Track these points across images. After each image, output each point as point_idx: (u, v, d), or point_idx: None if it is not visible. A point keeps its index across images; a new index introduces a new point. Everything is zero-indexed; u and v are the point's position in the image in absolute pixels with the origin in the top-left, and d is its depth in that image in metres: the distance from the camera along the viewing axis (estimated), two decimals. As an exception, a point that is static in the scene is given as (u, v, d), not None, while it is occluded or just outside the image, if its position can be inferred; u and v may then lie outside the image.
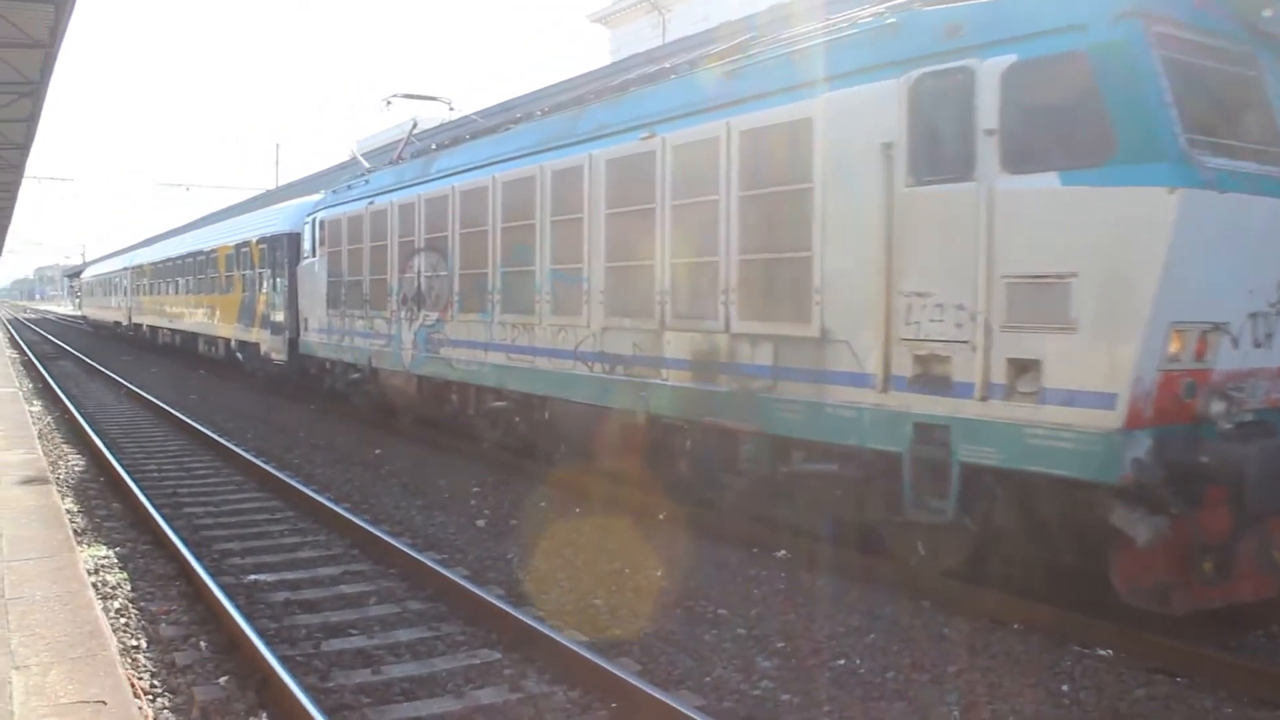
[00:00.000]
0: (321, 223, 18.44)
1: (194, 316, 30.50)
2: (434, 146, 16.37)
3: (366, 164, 19.08)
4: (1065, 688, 6.07)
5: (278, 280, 21.90)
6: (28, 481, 10.46)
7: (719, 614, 7.45)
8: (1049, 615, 6.94)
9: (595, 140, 10.63)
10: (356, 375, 17.34)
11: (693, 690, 6.09)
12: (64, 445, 15.29)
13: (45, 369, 28.85)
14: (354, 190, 17.39)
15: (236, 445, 14.53)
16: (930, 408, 7.04)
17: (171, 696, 5.92)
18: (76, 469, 13.29)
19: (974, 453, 6.76)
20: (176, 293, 33.06)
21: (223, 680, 6.16)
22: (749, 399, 8.61)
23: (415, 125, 18.80)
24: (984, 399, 6.70)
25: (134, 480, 11.60)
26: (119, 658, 5.81)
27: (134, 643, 6.74)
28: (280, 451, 14.71)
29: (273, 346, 22.08)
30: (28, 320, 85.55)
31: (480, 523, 10.37)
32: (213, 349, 28.74)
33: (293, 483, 11.63)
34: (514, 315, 11.93)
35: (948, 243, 6.90)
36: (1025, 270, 6.47)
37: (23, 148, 25.08)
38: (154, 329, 37.83)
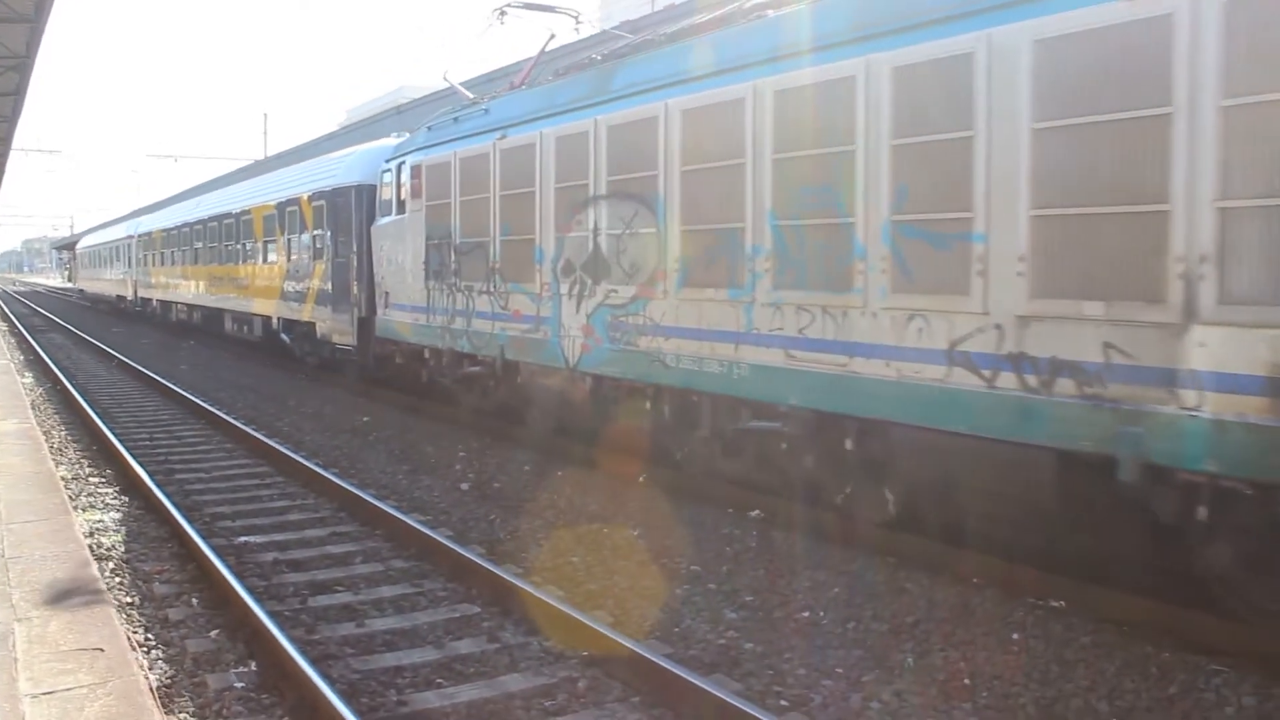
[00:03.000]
0: (417, 168, 14.59)
1: (219, 290, 26.20)
2: (594, 59, 11.85)
3: (469, 94, 15.18)
4: (1015, 636, 6.44)
5: (340, 245, 17.75)
6: (23, 449, 10.81)
7: (692, 569, 7.83)
8: (1004, 569, 7.30)
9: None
10: (476, 369, 13.44)
11: (661, 640, 6.46)
12: (57, 415, 15.61)
13: (36, 341, 29.16)
14: (467, 122, 13.50)
15: (227, 414, 14.87)
16: None
17: (165, 648, 6.25)
18: (70, 438, 13.61)
19: None
20: (196, 262, 28.75)
21: (213, 634, 6.50)
22: None
23: (553, 37, 15.02)
24: None
25: (126, 448, 11.93)
26: (115, 612, 6.16)
27: (129, 599, 7.08)
28: (270, 419, 15.06)
29: (335, 328, 17.98)
30: (16, 294, 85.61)
31: (465, 486, 10.73)
32: (245, 329, 24.47)
33: (282, 449, 11.98)
34: (804, 293, 8.20)
35: None
36: None
37: (10, 120, 25.29)
38: (165, 304, 33.73)
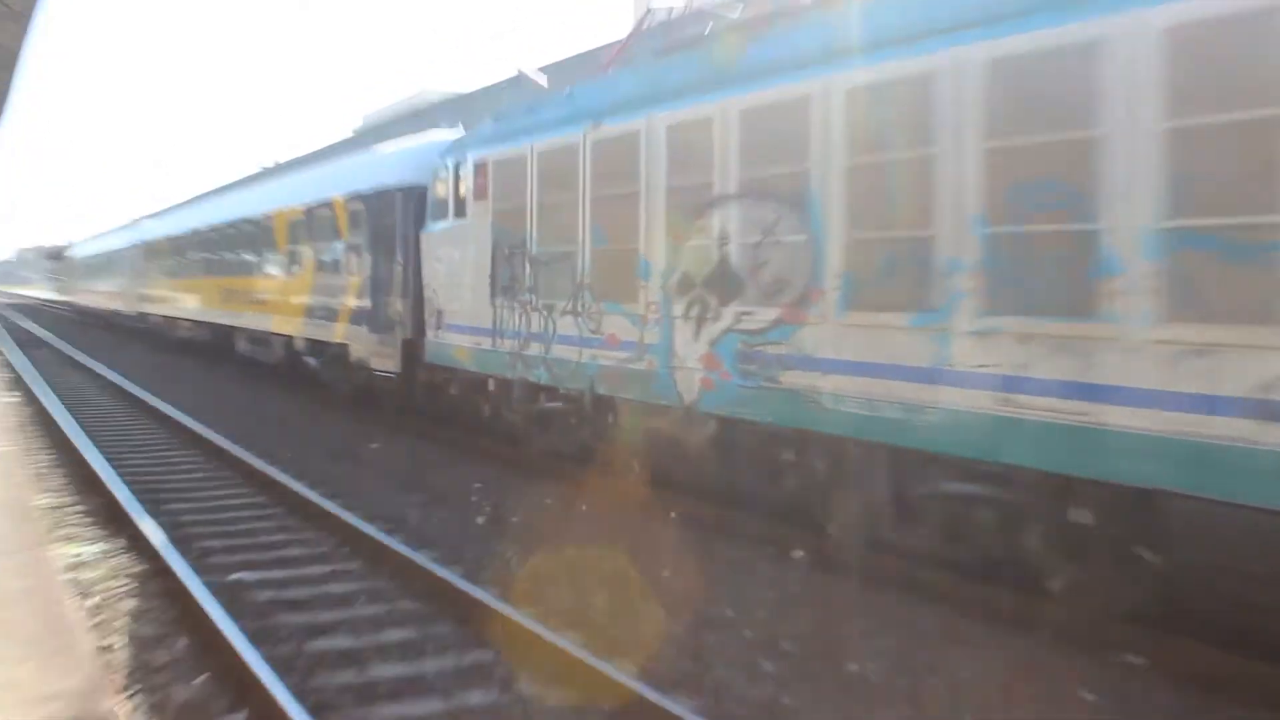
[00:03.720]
0: (481, 166, 12.86)
1: (232, 305, 23.93)
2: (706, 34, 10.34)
3: (542, 81, 13.93)
4: (1088, 696, 5.96)
5: (381, 255, 15.66)
6: (2, 475, 10.29)
7: (727, 615, 7.30)
8: (1073, 620, 6.78)
9: None
10: (555, 405, 11.77)
11: (690, 693, 6.03)
12: (41, 439, 15.26)
13: (23, 357, 28.65)
14: (547, 111, 11.91)
15: (224, 438, 14.41)
16: None
17: (148, 694, 6.04)
18: (53, 463, 13.27)
19: None
20: (205, 274, 26.34)
21: (201, 680, 6.20)
22: None
23: (650, 12, 12.71)
24: None
25: (113, 475, 11.59)
26: (93, 654, 5.69)
27: (108, 642, 6.82)
28: (270, 445, 14.61)
29: (373, 351, 15.89)
30: (7, 306, 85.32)
31: (480, 520, 10.21)
32: (262, 350, 22.13)
33: (282, 478, 11.54)
34: (1027, 320, 6.58)
35: None
36: None
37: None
38: (170, 320, 31.20)
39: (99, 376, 24.48)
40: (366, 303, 16.05)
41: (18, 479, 10.19)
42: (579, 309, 10.90)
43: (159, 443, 15.01)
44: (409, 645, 6.78)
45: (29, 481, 10.21)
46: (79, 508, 10.59)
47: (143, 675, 6.23)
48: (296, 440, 15.01)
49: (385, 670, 6.36)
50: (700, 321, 9.24)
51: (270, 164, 51.44)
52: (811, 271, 8.14)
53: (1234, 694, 5.94)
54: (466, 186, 13.16)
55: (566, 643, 6.37)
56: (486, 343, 12.68)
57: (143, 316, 35.30)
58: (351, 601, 7.67)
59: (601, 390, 10.64)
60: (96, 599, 7.60)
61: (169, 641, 6.80)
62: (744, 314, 8.79)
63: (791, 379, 8.31)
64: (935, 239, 7.19)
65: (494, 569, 8.50)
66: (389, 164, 16.20)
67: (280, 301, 20.26)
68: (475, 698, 5.94)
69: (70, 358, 30.48)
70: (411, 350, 14.86)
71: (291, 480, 11.31)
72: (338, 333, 17.29)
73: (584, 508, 10.41)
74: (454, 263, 13.53)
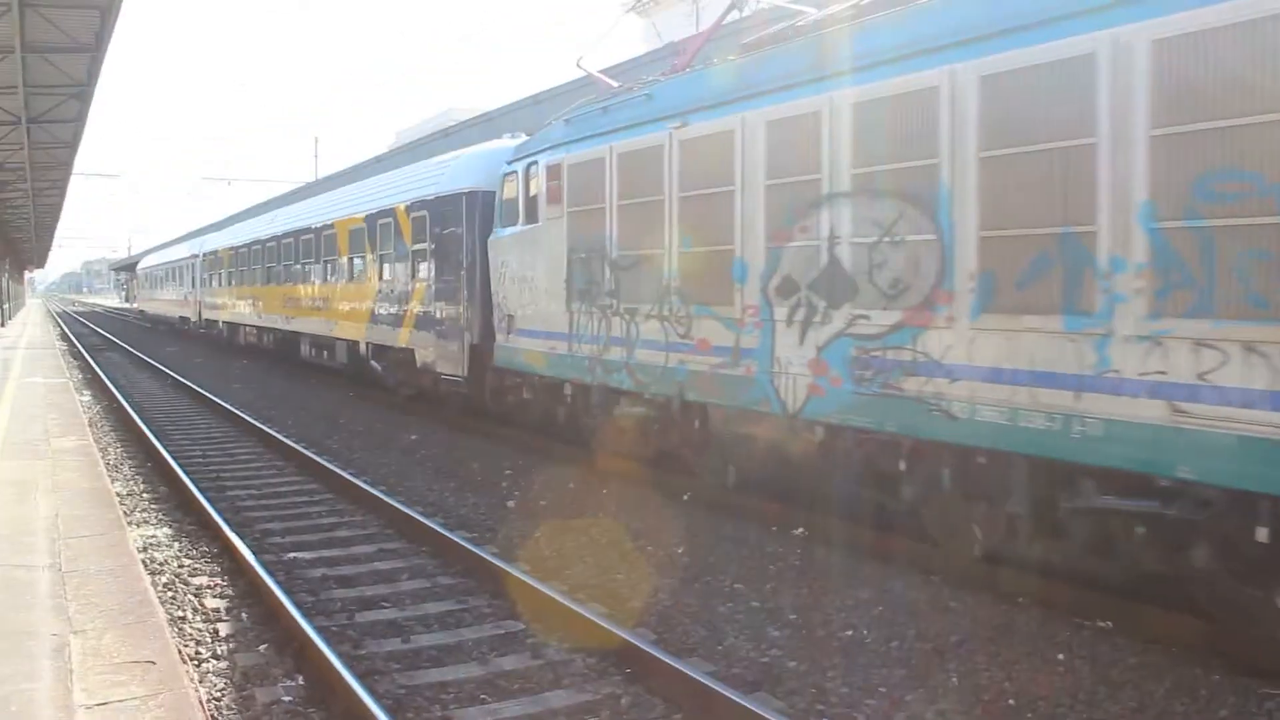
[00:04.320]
0: (555, 168, 12.24)
1: (295, 312, 24.05)
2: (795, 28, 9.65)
3: (613, 82, 12.88)
4: (1061, 656, 6.34)
5: (446, 260, 15.50)
6: (79, 466, 11.01)
7: (735, 587, 7.80)
8: (1051, 590, 7.19)
9: None
10: (639, 411, 11.07)
11: (704, 657, 6.44)
12: (113, 433, 15.90)
13: (94, 360, 29.72)
14: (624, 111, 11.18)
15: (277, 431, 15.05)
16: None
17: (215, 662, 6.33)
18: (125, 455, 13.85)
19: None
20: (268, 282, 26.71)
21: (263, 648, 6.57)
22: None
23: (733, 6, 12.18)
24: None
25: (179, 465, 12.12)
26: (167, 625, 6.25)
27: (180, 614, 7.17)
28: (319, 437, 15.21)
29: (440, 355, 15.68)
30: (76, 314, 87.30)
31: (510, 503, 10.78)
32: (325, 355, 22.40)
33: (331, 466, 12.09)
34: (1210, 324, 5.89)
35: None
36: None
37: (71, 146, 25.85)
38: (233, 326, 31.89)
39: (166, 375, 25.42)
40: (432, 308, 15.80)
41: (96, 469, 10.90)
42: (666, 313, 10.25)
43: (213, 428, 15.77)
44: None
45: (105, 470, 10.92)
46: (148, 495, 11.22)
47: (211, 644, 6.61)
48: (347, 433, 15.79)
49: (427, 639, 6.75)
50: (806, 325, 8.54)
51: (311, 180, 52.33)
52: (940, 272, 7.37)
53: (1194, 655, 6.23)
54: (538, 190, 12.54)
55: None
56: (561, 347, 12.05)
57: (208, 324, 35.56)
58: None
59: (692, 396, 9.96)
60: (167, 576, 8.02)
61: (234, 613, 7.21)
62: (858, 317, 8.06)
63: (914, 386, 7.56)
64: (1095, 235, 6.37)
65: (515, 545, 9.07)
66: (455, 170, 15.75)
67: (344, 307, 20.24)
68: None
69: (142, 359, 31.49)
70: (478, 355, 14.55)
71: (341, 468, 11.94)
72: (402, 337, 17.05)
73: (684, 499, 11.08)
74: (525, 268, 12.97)
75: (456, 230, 15.13)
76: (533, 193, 12.82)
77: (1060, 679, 6.03)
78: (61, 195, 41.70)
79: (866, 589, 7.62)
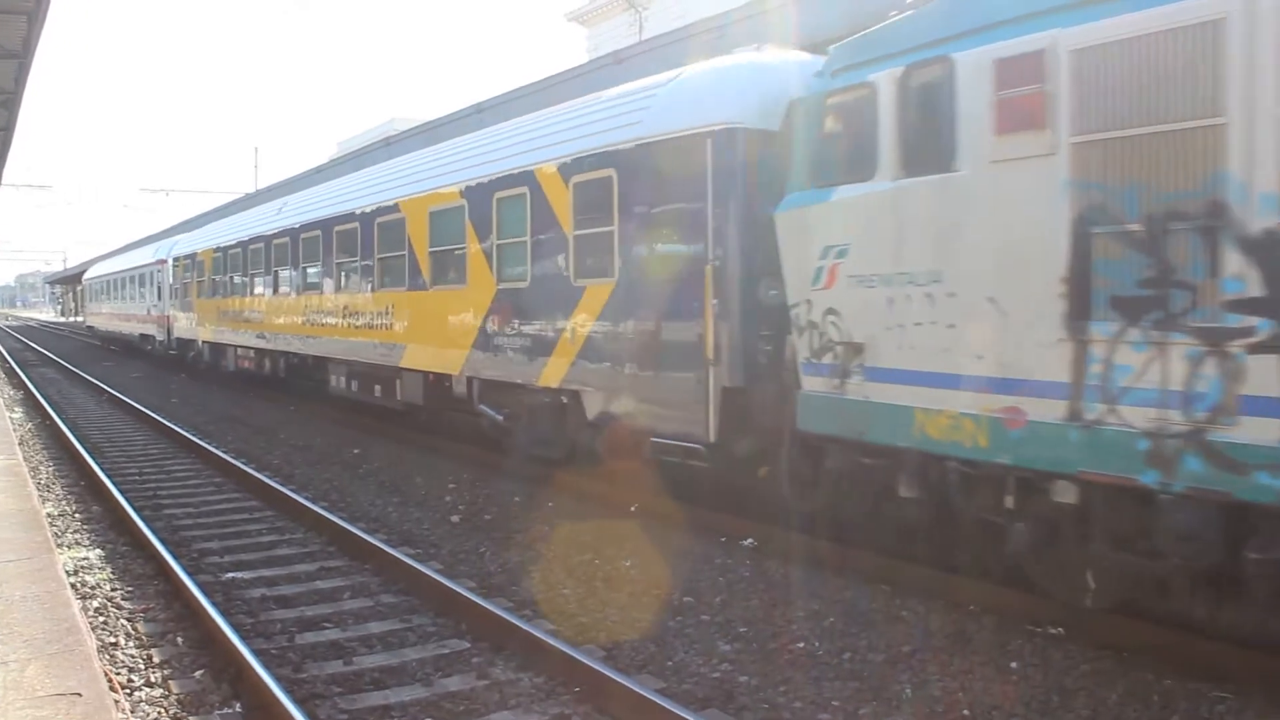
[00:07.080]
0: (1033, 62, 6.23)
1: (322, 330, 17.71)
2: None
3: None
4: (1014, 664, 6.28)
5: (653, 249, 9.72)
6: (8, 486, 10.58)
7: (685, 600, 7.66)
8: (1002, 597, 7.15)
9: None
10: None
11: (654, 674, 6.29)
12: (45, 451, 15.39)
13: (26, 375, 28.88)
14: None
15: (217, 448, 14.66)
16: None
17: (148, 689, 6.08)
18: (57, 474, 13.39)
19: None
20: (275, 291, 20.31)
21: (199, 674, 6.32)
22: None
23: None
24: None
25: (114, 483, 11.73)
26: (96, 653, 5.96)
27: (112, 640, 6.90)
28: (260, 453, 14.85)
29: (647, 403, 9.79)
30: (10, 329, 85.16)
31: (455, 518, 10.55)
32: (378, 390, 15.79)
33: (271, 483, 11.77)
34: None
35: None
36: None
37: (-1, 156, 25.18)
38: (217, 348, 25.07)
39: (102, 390, 24.71)
40: (623, 326, 10.06)
41: (25, 490, 10.49)
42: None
43: (150, 444, 15.43)
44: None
45: (35, 490, 10.50)
46: (80, 515, 10.81)
47: (144, 671, 6.34)
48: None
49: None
50: None
51: (251, 191, 51.33)
52: None
53: (1145, 660, 6.17)
54: (958, 112, 6.72)
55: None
56: (1048, 410, 6.19)
57: (182, 344, 28.59)
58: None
59: None
60: (99, 600, 7.72)
61: (169, 638, 6.94)
62: None
63: None
64: None
65: (460, 561, 8.91)
66: (671, 98, 9.84)
67: (420, 324, 14.14)
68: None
69: (76, 374, 30.66)
70: (736, 406, 8.94)
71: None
72: (552, 373, 11.11)
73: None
74: (903, 257, 7.15)
75: (687, 197, 9.27)
76: (925, 120, 7.06)
77: (1014, 687, 5.96)
78: (-8, 208, 40.63)
79: (818, 600, 7.52)
